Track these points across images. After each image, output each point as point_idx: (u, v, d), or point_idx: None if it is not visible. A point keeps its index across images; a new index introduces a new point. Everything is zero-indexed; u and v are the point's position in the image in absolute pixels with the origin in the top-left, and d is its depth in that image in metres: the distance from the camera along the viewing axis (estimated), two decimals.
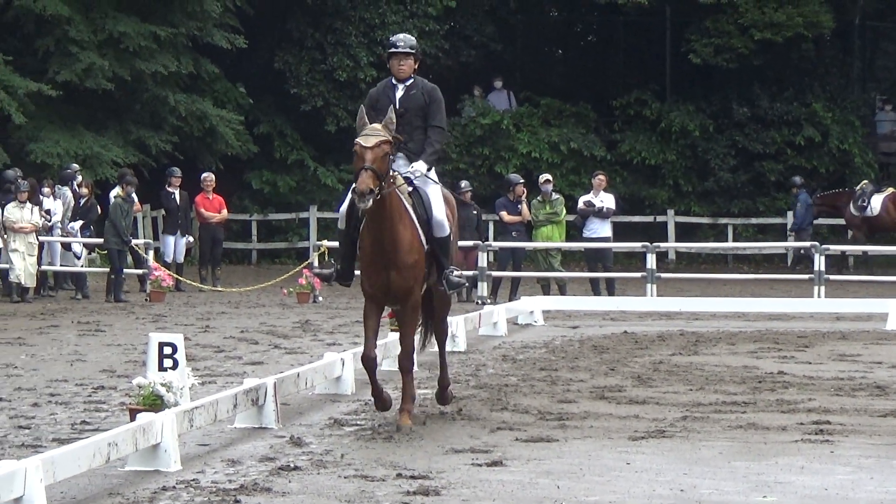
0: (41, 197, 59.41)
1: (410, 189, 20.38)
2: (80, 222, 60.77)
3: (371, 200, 18.89)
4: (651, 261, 56.88)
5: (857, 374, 33.62)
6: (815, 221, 73.30)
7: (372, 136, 19.14)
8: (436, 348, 23.64)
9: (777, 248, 73.70)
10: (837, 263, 67.12)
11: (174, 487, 19.67)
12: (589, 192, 60.74)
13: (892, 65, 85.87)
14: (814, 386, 31.13)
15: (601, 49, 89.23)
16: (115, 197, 59.70)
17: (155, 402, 23.20)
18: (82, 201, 61.83)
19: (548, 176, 62.54)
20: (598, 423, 26.40)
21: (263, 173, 79.11)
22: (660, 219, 77.35)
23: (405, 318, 21.18)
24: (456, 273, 21.19)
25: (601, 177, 61.45)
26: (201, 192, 64.83)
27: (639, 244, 62.19)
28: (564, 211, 59.82)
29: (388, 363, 26.21)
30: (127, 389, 26.18)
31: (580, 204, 59.52)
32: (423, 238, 20.43)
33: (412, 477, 20.40)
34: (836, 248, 64.90)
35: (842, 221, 74.57)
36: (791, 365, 35.37)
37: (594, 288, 57.32)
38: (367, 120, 19.31)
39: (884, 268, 68.22)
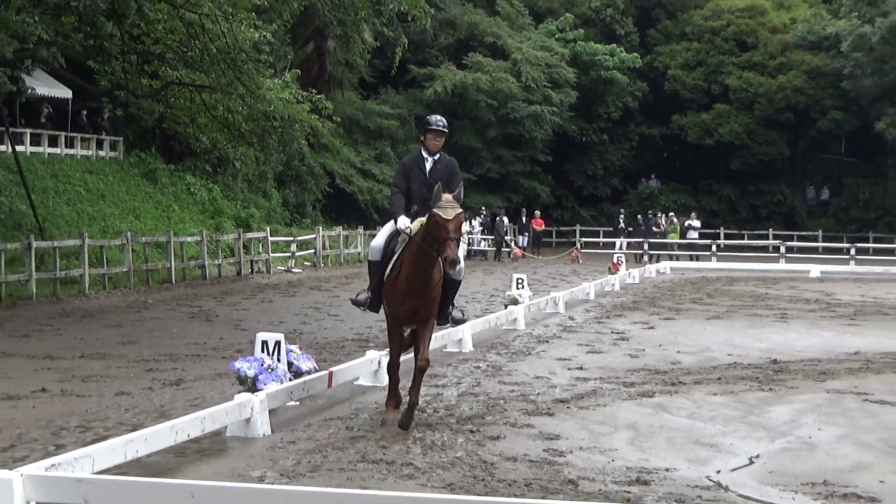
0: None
1: None
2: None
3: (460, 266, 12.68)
4: (714, 248, 59.51)
5: (797, 294, 36.81)
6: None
7: (450, 209, 12.29)
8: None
9: (764, 244, 66.12)
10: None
11: (521, 335, 22.85)
12: (688, 219, 63.53)
13: (813, 171, 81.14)
14: (780, 298, 34.08)
15: (698, 163, 79.87)
16: (497, 219, 61.67)
17: (514, 302, 25.16)
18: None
19: (672, 213, 65.33)
20: (691, 312, 29.78)
21: (557, 211, 75.18)
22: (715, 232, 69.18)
23: (425, 335, 13.20)
24: (458, 311, 14.01)
25: (693, 213, 65.44)
26: (533, 217, 64.15)
27: (710, 241, 61.41)
28: (679, 227, 62.64)
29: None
30: (502, 298, 27.47)
31: (685, 224, 62.82)
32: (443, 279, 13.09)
33: (615, 332, 23.54)
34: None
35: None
36: (771, 290, 38.06)
37: (691, 258, 59.04)
38: (441, 194, 12.33)
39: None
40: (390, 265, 12.90)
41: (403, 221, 12.80)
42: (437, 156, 13.11)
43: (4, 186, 32.35)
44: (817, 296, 36.32)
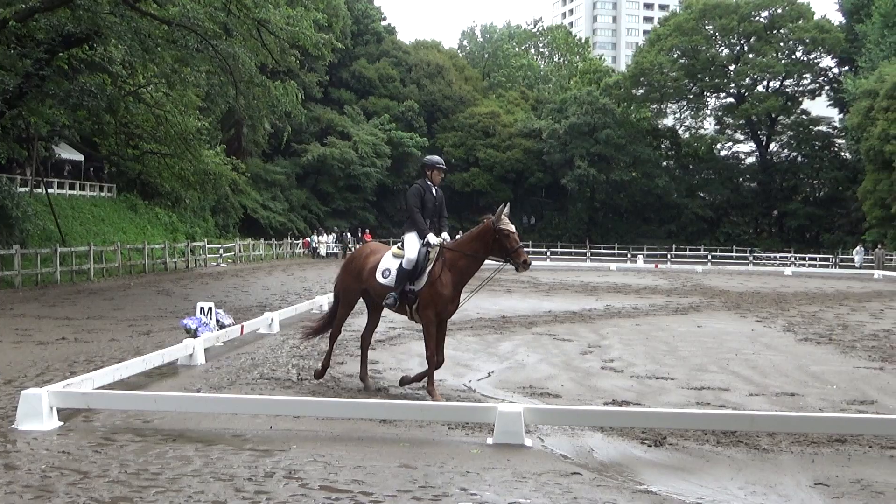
0: (324, 234, 59.61)
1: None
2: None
3: None
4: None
5: (516, 278, 30.97)
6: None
7: (511, 225, 9.49)
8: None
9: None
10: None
11: (359, 304, 25.55)
12: (456, 236, 68.00)
13: (527, 207, 76.37)
14: (506, 281, 31.28)
15: (461, 202, 71.29)
16: (344, 234, 57.82)
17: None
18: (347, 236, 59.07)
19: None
20: (516, 290, 33.94)
21: (380, 230, 66.68)
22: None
23: (446, 329, 10.16)
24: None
25: (458, 233, 67.70)
26: (365, 233, 59.14)
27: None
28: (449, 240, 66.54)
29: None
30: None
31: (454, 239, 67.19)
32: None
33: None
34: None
35: None
36: (501, 276, 38.00)
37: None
38: (503, 215, 9.47)
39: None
40: (427, 272, 9.80)
41: (434, 238, 9.86)
42: (437, 187, 10.18)
43: (41, 215, 31.24)
44: (528, 279, 35.85)
